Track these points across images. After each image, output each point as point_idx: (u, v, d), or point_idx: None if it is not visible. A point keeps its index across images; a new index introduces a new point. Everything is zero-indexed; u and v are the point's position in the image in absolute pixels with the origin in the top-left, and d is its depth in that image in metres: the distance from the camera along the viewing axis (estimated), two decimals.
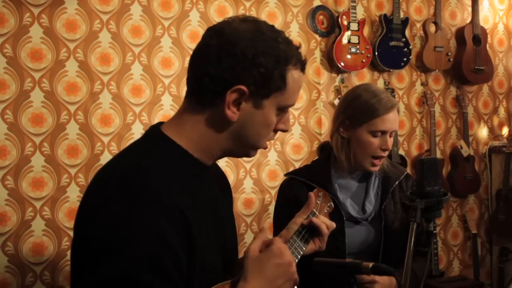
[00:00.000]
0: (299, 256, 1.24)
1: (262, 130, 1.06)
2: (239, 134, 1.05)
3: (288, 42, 1.05)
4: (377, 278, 1.52)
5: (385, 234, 1.70)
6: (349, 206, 1.71)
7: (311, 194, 1.35)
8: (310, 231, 1.31)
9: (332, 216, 1.65)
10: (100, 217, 0.92)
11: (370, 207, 1.73)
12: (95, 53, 2.45)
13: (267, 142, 1.11)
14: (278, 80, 1.02)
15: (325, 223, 1.33)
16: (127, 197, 0.92)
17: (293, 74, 1.04)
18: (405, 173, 1.82)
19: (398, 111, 1.73)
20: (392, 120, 1.69)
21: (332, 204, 1.47)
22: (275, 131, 1.10)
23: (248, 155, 1.11)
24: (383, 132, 1.68)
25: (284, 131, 1.11)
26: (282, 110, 1.07)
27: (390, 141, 1.70)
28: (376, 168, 1.73)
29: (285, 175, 1.87)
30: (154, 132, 1.07)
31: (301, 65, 1.07)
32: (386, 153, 1.71)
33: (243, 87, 1.00)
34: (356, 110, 1.70)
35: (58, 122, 2.37)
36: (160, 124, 1.10)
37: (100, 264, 0.89)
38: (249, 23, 1.04)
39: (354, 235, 1.69)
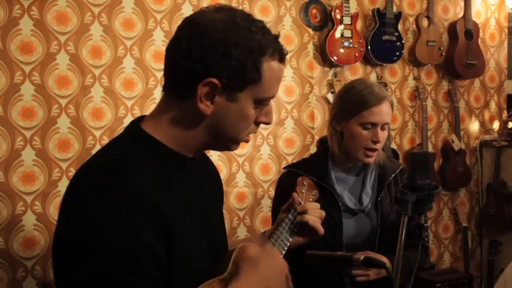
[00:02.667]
0: (285, 248, 1.25)
1: (239, 124, 1.02)
2: (216, 128, 1.02)
3: (264, 31, 1.00)
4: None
5: (381, 225, 1.74)
6: (346, 198, 1.75)
7: (294, 194, 1.36)
8: (295, 224, 1.32)
9: (330, 207, 1.68)
10: (77, 217, 0.91)
11: (366, 199, 1.77)
12: (87, 46, 2.43)
13: (250, 135, 1.08)
14: (252, 72, 0.98)
15: (319, 213, 1.33)
16: (104, 196, 0.91)
17: (270, 65, 1.00)
18: (401, 167, 1.85)
19: (392, 105, 1.74)
20: (383, 112, 1.70)
21: (317, 192, 1.47)
22: (257, 124, 1.06)
23: (229, 149, 1.09)
24: (374, 125, 1.69)
25: (267, 123, 1.08)
26: (261, 102, 1.03)
27: (381, 133, 1.71)
28: (371, 159, 1.74)
29: (284, 168, 1.91)
30: (133, 128, 1.06)
31: (280, 55, 1.02)
32: (378, 146, 1.72)
33: (214, 80, 0.96)
34: (348, 102, 1.73)
35: (49, 115, 2.36)
36: (141, 118, 1.08)
37: (77, 264, 0.88)
38: (223, 12, 1.00)
39: (351, 226, 1.73)
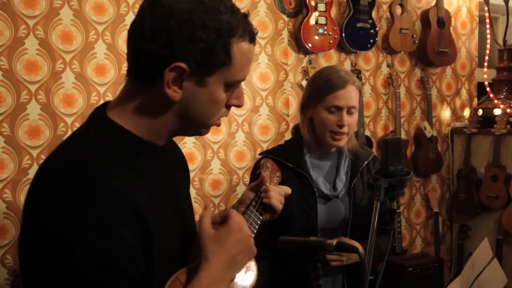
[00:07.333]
0: (256, 227, 1.26)
1: (209, 108, 0.98)
2: (185, 114, 0.97)
3: (233, 11, 0.94)
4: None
5: (353, 211, 1.78)
6: (321, 183, 1.78)
7: (264, 174, 1.37)
8: (263, 204, 1.33)
9: (305, 193, 1.71)
10: (46, 218, 0.86)
11: (340, 185, 1.80)
12: (56, 30, 2.36)
13: (226, 122, 1.07)
14: (222, 55, 0.93)
15: (280, 194, 1.34)
16: (73, 194, 0.86)
17: (240, 46, 0.95)
18: (373, 155, 1.90)
19: (359, 90, 1.77)
20: (347, 96, 1.72)
21: (280, 174, 1.49)
22: (228, 107, 1.02)
23: (200, 133, 1.05)
24: (339, 108, 1.72)
25: (238, 106, 1.05)
26: (231, 85, 0.99)
27: (348, 117, 1.73)
28: (339, 143, 1.75)
29: (260, 154, 1.92)
30: (99, 117, 1.00)
31: (250, 35, 0.96)
32: (345, 129, 1.73)
33: (182, 65, 0.91)
34: (315, 88, 1.78)
35: (18, 102, 2.29)
36: (106, 104, 1.02)
37: (49, 268, 0.83)
38: None
39: (325, 211, 1.77)
